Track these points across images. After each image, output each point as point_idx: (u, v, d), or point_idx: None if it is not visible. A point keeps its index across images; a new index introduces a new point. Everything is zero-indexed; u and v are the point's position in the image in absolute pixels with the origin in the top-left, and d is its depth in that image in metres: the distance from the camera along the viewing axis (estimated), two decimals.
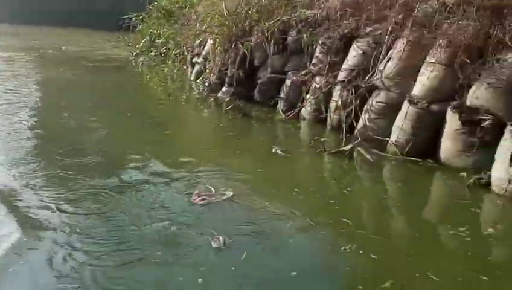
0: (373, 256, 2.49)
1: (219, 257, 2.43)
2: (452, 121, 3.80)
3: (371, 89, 4.61)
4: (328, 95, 5.06)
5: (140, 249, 2.44)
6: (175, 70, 8.42)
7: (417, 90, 4.12)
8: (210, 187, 3.24)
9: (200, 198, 3.05)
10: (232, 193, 3.13)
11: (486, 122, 3.61)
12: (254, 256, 2.45)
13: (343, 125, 4.59)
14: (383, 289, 2.22)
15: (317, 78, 5.29)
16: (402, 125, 4.13)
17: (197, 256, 2.42)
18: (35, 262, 2.31)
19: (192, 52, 8.28)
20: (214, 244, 2.50)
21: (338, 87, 4.94)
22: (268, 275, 2.31)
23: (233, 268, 2.32)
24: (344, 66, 4.99)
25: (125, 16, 10.86)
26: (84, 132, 4.61)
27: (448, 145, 3.82)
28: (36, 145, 4.16)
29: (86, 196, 3.04)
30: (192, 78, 7.94)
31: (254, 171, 3.74)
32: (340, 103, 4.77)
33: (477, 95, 3.69)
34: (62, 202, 2.93)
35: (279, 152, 4.18)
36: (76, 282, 2.15)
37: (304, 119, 5.43)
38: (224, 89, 6.62)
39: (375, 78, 4.57)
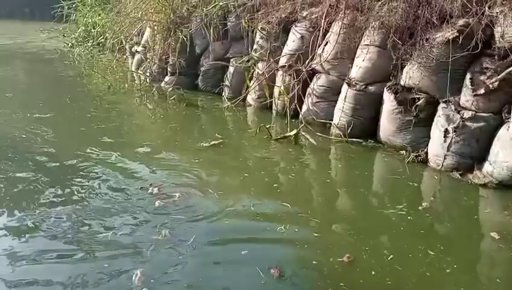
0: (316, 234, 2.61)
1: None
2: (388, 101, 3.95)
3: (312, 73, 4.69)
4: (272, 81, 5.10)
5: None
6: (114, 61, 8.10)
7: (354, 72, 4.24)
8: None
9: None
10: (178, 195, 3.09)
11: (420, 101, 3.79)
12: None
13: (288, 110, 4.65)
14: (340, 262, 2.32)
15: (260, 64, 5.30)
16: (343, 108, 4.25)
17: None
18: None
19: (131, 41, 8.02)
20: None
21: (280, 72, 4.98)
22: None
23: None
24: (284, 51, 5.03)
25: (58, 5, 10.26)
26: (19, 130, 4.37)
27: (386, 125, 3.98)
28: None
29: None
30: (133, 68, 7.71)
31: (200, 160, 3.73)
32: (283, 88, 4.82)
33: (410, 75, 3.85)
34: None
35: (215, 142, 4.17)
36: None
37: (250, 105, 5.45)
38: (166, 78, 6.49)
39: (314, 62, 4.64)
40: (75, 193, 3.08)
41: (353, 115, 4.21)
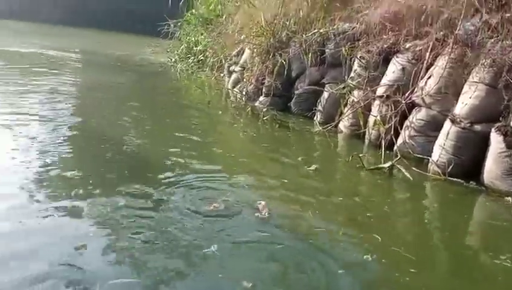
0: (412, 270, 2.54)
1: None
2: (496, 143, 3.73)
3: (411, 106, 4.59)
4: (367, 110, 5.07)
5: None
6: (212, 78, 8.58)
7: (459, 109, 4.07)
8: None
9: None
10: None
11: None
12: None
13: (382, 141, 4.59)
14: None
15: (356, 92, 5.30)
16: (444, 145, 4.09)
17: None
18: None
19: (229, 60, 8.43)
20: None
21: (377, 102, 4.93)
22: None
23: None
24: (383, 80, 4.99)
25: (164, 22, 11.13)
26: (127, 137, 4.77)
27: (492, 168, 3.76)
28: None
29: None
30: (229, 86, 8.09)
31: (289, 183, 3.80)
32: (379, 118, 4.76)
33: None
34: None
35: (313, 167, 4.21)
36: None
37: (341, 132, 5.45)
38: (261, 98, 6.73)
39: (415, 94, 4.54)
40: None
41: (454, 153, 4.03)
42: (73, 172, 3.51)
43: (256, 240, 2.78)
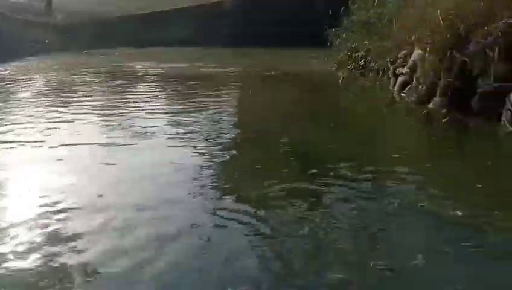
0: None
1: None
2: None
3: None
4: None
5: None
6: (376, 83, 8.43)
7: None
8: None
9: None
10: None
11: None
12: None
13: None
14: None
15: None
16: None
17: None
18: None
19: (395, 63, 8.18)
20: None
21: None
22: None
23: None
24: None
25: (325, 32, 11.36)
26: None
27: None
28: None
29: None
30: (396, 89, 7.83)
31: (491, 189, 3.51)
32: None
33: None
34: None
35: None
36: None
37: None
38: (435, 99, 6.35)
39: None
40: None
41: None
42: None
43: None
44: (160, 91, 8.89)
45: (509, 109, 5.32)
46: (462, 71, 5.85)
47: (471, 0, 6.19)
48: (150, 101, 7.61)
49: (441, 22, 6.23)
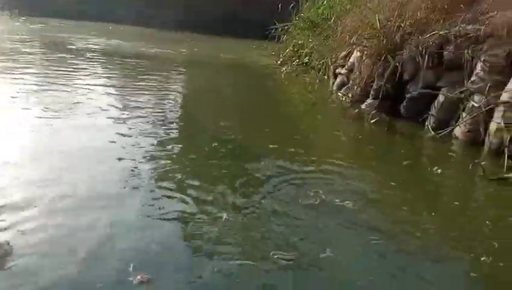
0: None
1: None
2: None
3: None
4: (488, 116, 4.75)
5: None
6: (317, 81, 8.63)
7: None
8: None
9: None
10: None
11: None
12: None
13: (506, 149, 4.27)
14: None
15: (476, 97, 4.99)
16: None
17: None
18: None
19: (335, 63, 8.41)
20: None
21: (501, 108, 4.60)
22: None
23: None
24: (509, 85, 4.64)
25: (272, 27, 11.45)
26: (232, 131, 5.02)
27: None
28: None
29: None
30: (334, 88, 8.06)
31: (405, 186, 3.71)
32: (503, 125, 4.44)
33: None
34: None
35: (439, 171, 4.05)
36: None
37: (456, 138, 5.16)
38: (368, 101, 6.61)
39: None
40: None
41: None
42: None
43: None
44: (99, 67, 8.53)
45: (432, 115, 5.66)
46: (394, 76, 6.13)
47: (409, 10, 6.49)
48: (88, 76, 7.33)
49: (379, 27, 6.47)
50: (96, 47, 10.99)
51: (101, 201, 2.99)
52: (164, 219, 2.83)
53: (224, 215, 2.92)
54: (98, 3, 17.91)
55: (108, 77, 7.53)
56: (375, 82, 6.49)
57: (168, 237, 2.64)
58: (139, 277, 2.19)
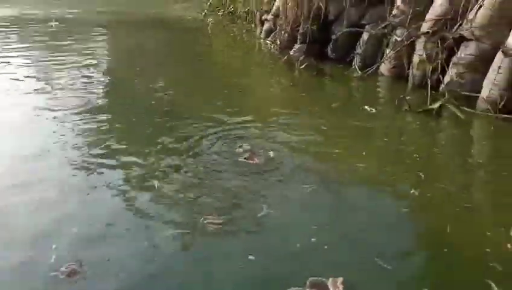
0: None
1: None
2: None
3: (459, 41, 4.33)
4: (411, 49, 4.82)
5: None
6: (244, 30, 8.38)
7: None
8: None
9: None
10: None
11: None
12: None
13: (429, 81, 4.38)
14: None
15: (398, 31, 5.03)
16: (495, 79, 3.86)
17: None
18: None
19: (261, 9, 8.16)
20: None
21: (422, 39, 4.68)
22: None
23: None
24: (429, 15, 4.70)
25: None
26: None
27: None
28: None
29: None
30: (262, 36, 7.87)
31: (332, 127, 3.74)
32: (424, 56, 4.53)
33: None
34: None
35: (368, 109, 4.11)
36: None
37: (382, 75, 5.24)
38: (296, 46, 6.50)
39: (464, 28, 4.26)
40: None
41: (506, 88, 3.80)
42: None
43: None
44: (12, 36, 7.73)
45: (358, 54, 5.68)
46: (319, 17, 6.04)
47: None
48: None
49: None
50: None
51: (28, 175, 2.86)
52: (94, 187, 2.72)
53: (156, 183, 2.78)
54: None
55: (24, 48, 6.85)
56: (301, 26, 6.37)
57: (97, 208, 2.52)
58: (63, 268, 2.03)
